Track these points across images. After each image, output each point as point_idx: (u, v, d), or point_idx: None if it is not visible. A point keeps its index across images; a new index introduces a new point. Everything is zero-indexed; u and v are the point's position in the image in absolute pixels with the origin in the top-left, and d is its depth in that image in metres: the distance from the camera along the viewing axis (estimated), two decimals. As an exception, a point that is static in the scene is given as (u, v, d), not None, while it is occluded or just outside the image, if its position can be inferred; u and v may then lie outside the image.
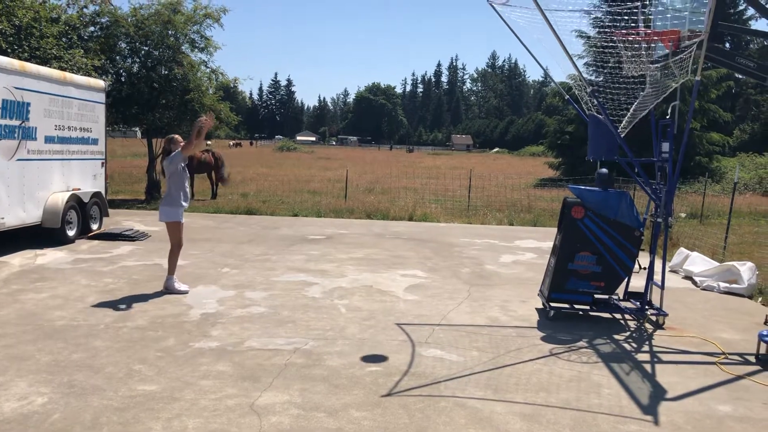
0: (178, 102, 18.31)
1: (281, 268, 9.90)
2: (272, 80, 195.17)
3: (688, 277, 10.28)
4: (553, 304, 7.63)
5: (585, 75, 31.51)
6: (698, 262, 10.30)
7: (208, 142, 20.19)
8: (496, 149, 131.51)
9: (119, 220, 14.12)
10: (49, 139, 10.90)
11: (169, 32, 18.56)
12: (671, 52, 7.28)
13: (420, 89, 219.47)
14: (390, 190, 23.65)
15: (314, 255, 11.08)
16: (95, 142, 12.56)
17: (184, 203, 8.30)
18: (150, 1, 18.77)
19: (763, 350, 6.36)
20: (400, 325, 7.08)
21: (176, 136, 8.52)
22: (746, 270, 9.47)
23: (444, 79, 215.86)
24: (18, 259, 9.83)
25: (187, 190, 8.42)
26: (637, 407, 5.09)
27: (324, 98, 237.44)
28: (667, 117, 7.58)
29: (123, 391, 5.02)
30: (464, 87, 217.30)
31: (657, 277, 7.62)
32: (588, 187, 7.83)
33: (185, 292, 8.16)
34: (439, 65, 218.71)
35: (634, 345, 6.77)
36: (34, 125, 10.42)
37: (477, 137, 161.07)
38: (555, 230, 15.86)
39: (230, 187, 22.25)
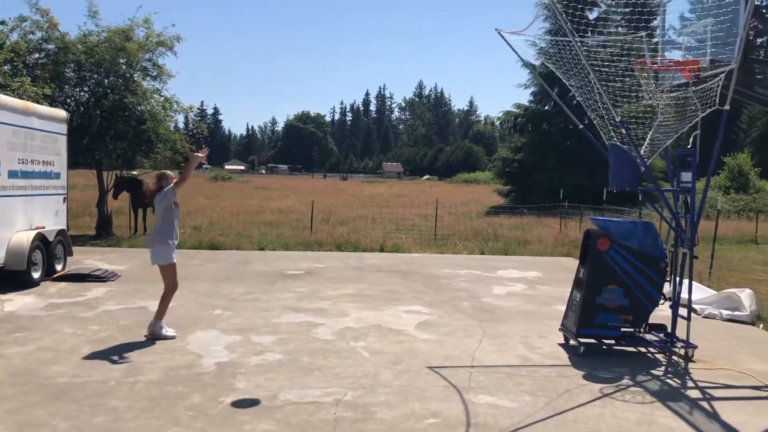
0: (132, 132, 17.40)
1: (276, 308, 9.32)
2: (198, 108, 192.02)
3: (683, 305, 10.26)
4: (582, 340, 7.39)
5: (534, 105, 32.27)
6: (693, 290, 10.29)
7: (133, 172, 19.31)
8: (426, 176, 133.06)
9: (79, 258, 13.15)
10: (12, 174, 10.02)
11: (121, 60, 17.72)
12: (692, 82, 7.25)
13: (349, 118, 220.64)
14: (348, 220, 23.19)
15: (303, 292, 10.54)
16: (57, 176, 11.68)
17: (171, 243, 7.68)
18: (98, 27, 17.93)
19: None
20: (434, 369, 6.67)
21: (168, 172, 7.93)
22: (746, 297, 9.53)
23: (372, 107, 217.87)
24: (-18, 306, 8.91)
25: (177, 228, 7.81)
26: (722, 452, 4.85)
27: (252, 126, 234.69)
28: (689, 146, 7.51)
29: (170, 462, 4.42)
30: (392, 115, 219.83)
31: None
32: (611, 218, 7.68)
33: (173, 338, 7.50)
34: (367, 94, 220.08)
35: (678, 381, 6.59)
36: (-4, 159, 9.57)
37: (407, 165, 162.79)
38: (530, 258, 15.97)
39: (181, 221, 21.29)
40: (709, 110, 6.91)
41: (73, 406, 5.39)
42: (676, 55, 7.57)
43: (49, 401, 5.48)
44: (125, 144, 17.56)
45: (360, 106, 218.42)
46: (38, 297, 9.63)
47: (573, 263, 15.35)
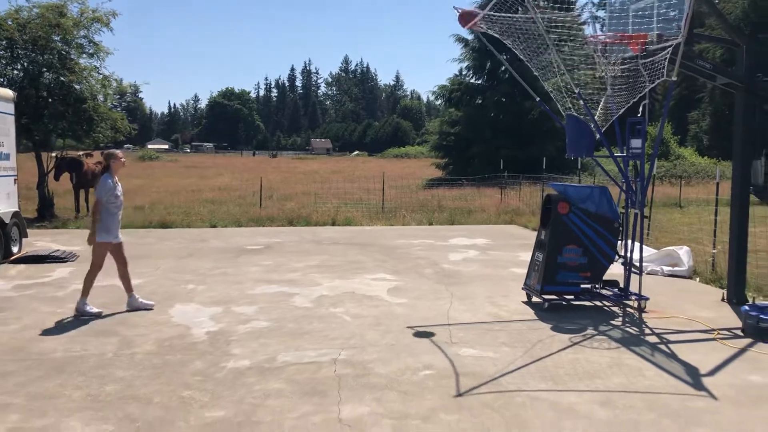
0: (71, 111, 16.98)
1: (247, 281, 9.55)
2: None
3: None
4: (546, 297, 7.98)
5: (468, 79, 32.89)
6: (636, 249, 11.10)
7: (80, 153, 18.92)
8: (356, 152, 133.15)
9: (29, 241, 12.91)
10: (-34, 156, 9.81)
11: (56, 37, 17.20)
12: (640, 55, 7.84)
13: (274, 94, 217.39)
14: (291, 196, 23.35)
15: (269, 265, 10.78)
16: (7, 157, 11.44)
17: (111, 222, 7.75)
18: (29, 3, 17.31)
19: (750, 323, 7.05)
20: (415, 328, 7.11)
21: (116, 152, 7.93)
22: (684, 254, 10.38)
23: (298, 83, 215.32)
24: (-53, 291, 8.78)
25: (116, 216, 7.85)
26: (685, 385, 5.49)
27: (174, 104, 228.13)
28: (638, 115, 8.11)
29: (194, 420, 4.70)
30: (319, 91, 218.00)
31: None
32: (570, 184, 8.25)
33: (99, 314, 7.52)
34: (292, 69, 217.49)
35: (636, 329, 7.25)
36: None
37: (336, 141, 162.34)
38: (476, 227, 16.61)
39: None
40: (658, 81, 7.53)
41: (80, 377, 5.56)
42: (625, 29, 8.10)
43: (54, 374, 5.62)
44: (65, 124, 17.15)
45: (285, 81, 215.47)
46: (1, 279, 9.52)
47: (517, 230, 16.14)
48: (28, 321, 7.31)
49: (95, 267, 7.75)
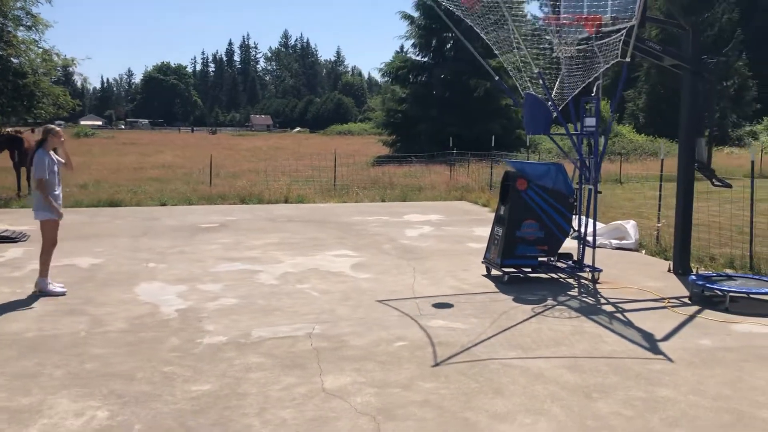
0: (11, 86, 16.39)
1: (208, 258, 9.55)
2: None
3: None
4: (505, 270, 8.29)
5: (414, 56, 33.04)
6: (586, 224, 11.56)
7: (16, 129, 18.32)
8: (297, 129, 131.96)
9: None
10: None
11: (-10, 8, 16.53)
12: (595, 36, 8.15)
13: (212, 68, 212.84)
14: (239, 173, 23.15)
15: (228, 243, 10.78)
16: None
17: (56, 197, 7.61)
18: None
19: (696, 292, 7.52)
20: (383, 302, 7.31)
21: (55, 127, 7.79)
22: (631, 227, 10.88)
23: (237, 58, 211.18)
24: None
25: (58, 187, 7.69)
26: (643, 350, 5.86)
27: (107, 79, 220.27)
28: (592, 94, 8.44)
29: (180, 394, 4.79)
30: (258, 66, 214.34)
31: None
32: (527, 162, 8.53)
33: (63, 293, 7.44)
34: (230, 44, 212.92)
35: (592, 299, 7.63)
36: None
37: (276, 117, 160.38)
38: (428, 203, 16.89)
39: (65, 179, 20.35)
40: (613, 62, 7.85)
41: (56, 356, 5.54)
42: (581, 11, 8.38)
43: (30, 353, 5.58)
44: (4, 99, 16.55)
45: (223, 56, 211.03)
46: (-48, 260, 9.26)
47: (468, 206, 16.49)
48: (-12, 302, 7.17)
49: (48, 244, 7.62)
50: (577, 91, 8.34)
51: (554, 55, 8.50)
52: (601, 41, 8.00)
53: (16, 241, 10.59)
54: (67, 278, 8.24)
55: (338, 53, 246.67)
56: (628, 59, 7.70)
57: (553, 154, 29.09)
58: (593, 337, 6.18)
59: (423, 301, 7.38)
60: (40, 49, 17.62)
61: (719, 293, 7.38)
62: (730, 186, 8.75)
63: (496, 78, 8.91)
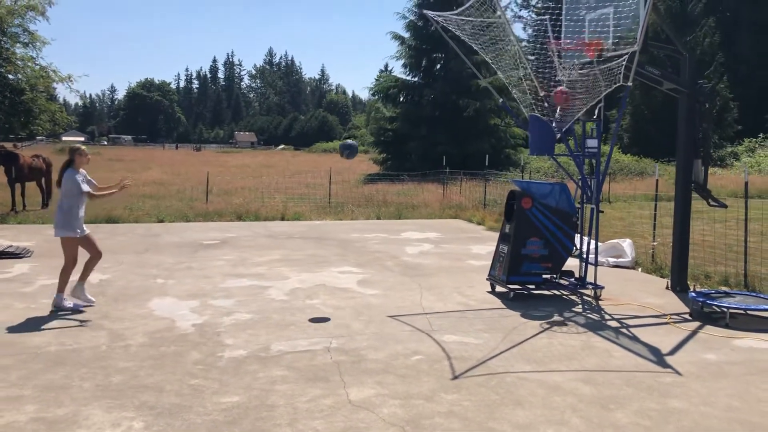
0: (8, 103, 16.45)
1: (216, 275, 9.67)
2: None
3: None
4: (511, 286, 8.49)
5: (404, 76, 33.43)
6: (583, 242, 11.82)
7: (15, 145, 18.31)
8: (281, 146, 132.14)
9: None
10: None
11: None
12: (596, 61, 8.44)
13: (196, 85, 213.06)
14: (232, 191, 23.22)
15: (232, 259, 10.91)
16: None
17: (79, 215, 7.78)
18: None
19: (695, 308, 7.77)
20: (394, 317, 7.47)
21: (82, 147, 7.97)
22: (628, 246, 11.15)
23: (221, 75, 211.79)
24: None
25: (82, 208, 7.87)
26: (652, 364, 6.08)
27: (90, 95, 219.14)
28: (594, 117, 8.71)
29: (210, 406, 4.92)
30: (242, 83, 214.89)
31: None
32: (532, 181, 8.78)
33: (76, 309, 7.52)
34: (215, 61, 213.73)
35: (597, 315, 7.85)
36: None
37: (261, 134, 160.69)
38: (424, 221, 17.11)
39: (56, 195, 20.34)
40: (615, 86, 8.13)
41: (82, 369, 5.64)
42: (583, 36, 8.68)
43: (55, 367, 5.68)
44: (1, 116, 16.60)
45: (207, 73, 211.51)
46: (-40, 275, 9.30)
47: (463, 224, 16.72)
48: (5, 317, 7.24)
49: (69, 262, 7.74)
50: (580, 113, 8.60)
51: (557, 78, 8.77)
52: (604, 66, 8.28)
53: (20, 257, 10.65)
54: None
55: (323, 71, 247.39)
56: (630, 83, 7.99)
57: (541, 173, 29.52)
58: (602, 351, 6.39)
59: (433, 316, 7.55)
60: (38, 66, 17.69)
61: (719, 310, 7.63)
62: (725, 206, 9.04)
63: (501, 101, 9.16)
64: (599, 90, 8.36)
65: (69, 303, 7.62)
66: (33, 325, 6.96)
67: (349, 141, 8.61)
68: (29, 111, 16.80)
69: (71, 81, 19.18)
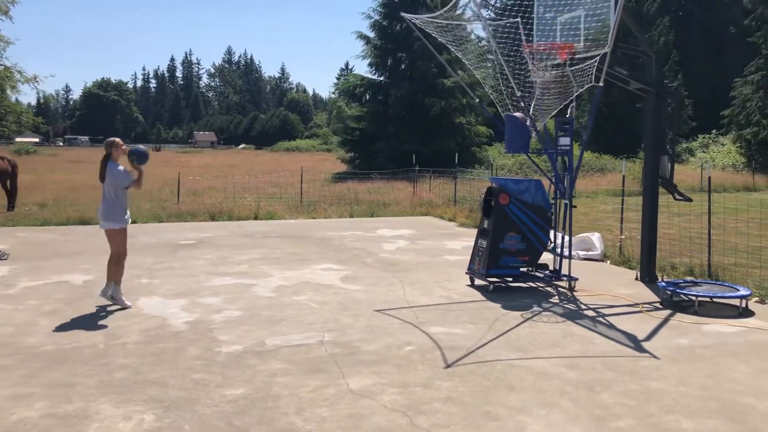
0: (-27, 104, 16.21)
1: (199, 274, 9.79)
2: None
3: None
4: (490, 279, 8.81)
5: (370, 75, 33.64)
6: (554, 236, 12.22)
7: None
8: (242, 145, 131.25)
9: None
10: None
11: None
12: (568, 63, 8.81)
13: (153, 84, 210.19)
14: (199, 191, 23.16)
15: (212, 259, 11.02)
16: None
17: (125, 208, 8.00)
18: None
19: (665, 297, 8.20)
20: (381, 311, 7.72)
21: (117, 139, 8.11)
22: (596, 239, 11.59)
23: (179, 74, 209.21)
24: None
25: (126, 200, 8.08)
26: (630, 349, 6.44)
27: (44, 94, 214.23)
28: (567, 116, 9.08)
29: (217, 398, 5.10)
30: (201, 82, 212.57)
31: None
32: (509, 178, 9.10)
33: (129, 306, 7.79)
34: (172, 59, 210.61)
35: (573, 305, 8.21)
36: None
37: (221, 133, 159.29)
38: (396, 219, 17.40)
39: (21, 198, 20.06)
40: (588, 86, 8.51)
41: (85, 367, 5.76)
42: (554, 39, 9.04)
43: (57, 365, 5.78)
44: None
45: (165, 72, 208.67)
46: (-60, 279, 9.24)
47: (435, 221, 17.06)
48: (-6, 318, 7.27)
49: (119, 253, 7.99)
50: (554, 112, 8.96)
51: (530, 78, 9.12)
52: (576, 67, 8.65)
53: (-2, 260, 10.58)
54: (66, 294, 8.39)
55: (283, 69, 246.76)
56: (601, 84, 8.37)
57: (505, 170, 30.07)
58: (583, 339, 6.73)
59: (418, 310, 7.82)
60: (2, 66, 17.43)
61: (688, 298, 8.07)
62: (690, 200, 9.51)
63: (476, 100, 9.47)
64: (571, 90, 8.74)
65: (124, 297, 7.84)
66: (25, 326, 7.00)
67: (141, 147, 8.25)
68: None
69: (37, 81, 19.05)
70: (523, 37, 9.38)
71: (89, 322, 7.16)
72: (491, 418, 4.78)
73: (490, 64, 8.75)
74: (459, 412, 4.87)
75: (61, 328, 6.94)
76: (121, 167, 7.90)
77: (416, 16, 9.45)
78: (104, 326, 7.00)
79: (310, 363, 5.91)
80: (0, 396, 5.08)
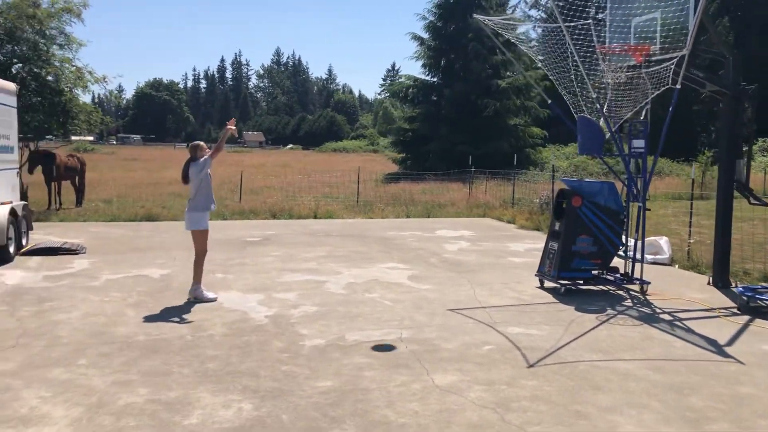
0: (48, 104, 16.82)
1: (270, 270, 10.01)
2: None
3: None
4: (562, 282, 8.80)
5: (423, 76, 33.68)
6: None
7: (52, 146, 18.74)
8: (290, 146, 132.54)
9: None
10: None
11: (28, 28, 16.97)
12: (643, 65, 8.74)
13: (203, 85, 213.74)
14: (257, 190, 23.57)
15: (280, 256, 11.25)
16: (12, 150, 11.46)
17: (212, 208, 8.31)
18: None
19: (742, 303, 8.07)
20: (454, 311, 7.79)
21: (201, 143, 8.45)
22: (664, 243, 11.44)
23: (229, 74, 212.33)
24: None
25: (213, 195, 8.39)
26: (712, 353, 6.37)
27: (98, 95, 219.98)
28: (642, 118, 9.00)
29: (308, 390, 5.24)
30: (250, 83, 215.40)
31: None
32: (582, 180, 9.07)
33: (214, 300, 8.09)
34: (222, 61, 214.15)
35: (648, 309, 8.15)
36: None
37: (269, 134, 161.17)
38: (454, 220, 17.45)
39: (87, 195, 20.72)
40: (663, 88, 8.42)
41: (177, 357, 5.98)
42: (630, 41, 8.97)
43: (151, 354, 6.02)
44: (41, 116, 16.97)
45: (215, 73, 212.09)
46: (27, 271, 9.66)
47: (494, 222, 17.03)
48: (86, 309, 7.59)
49: (202, 253, 8.25)
50: (629, 114, 8.89)
51: (603, 80, 9.07)
52: (651, 69, 8.57)
53: (77, 253, 10.99)
54: (146, 287, 8.69)
55: (330, 71, 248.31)
56: (678, 86, 8.28)
57: (559, 172, 29.68)
58: (662, 342, 6.69)
59: (491, 310, 7.87)
60: (74, 67, 18.04)
61: (766, 304, 7.92)
62: (767, 205, 9.31)
63: (549, 101, 9.46)
64: (647, 92, 8.66)
65: (206, 293, 8.09)
66: (114, 317, 7.30)
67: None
68: (67, 111, 17.14)
69: (105, 82, 19.51)
70: (595, 39, 9.34)
71: (174, 314, 7.42)
72: (581, 417, 4.81)
73: (562, 65, 8.71)
74: (548, 410, 4.92)
75: (149, 319, 7.21)
76: (199, 163, 8.18)
77: (488, 17, 9.48)
78: (188, 319, 7.24)
79: (392, 359, 6.02)
80: (104, 382, 5.33)
